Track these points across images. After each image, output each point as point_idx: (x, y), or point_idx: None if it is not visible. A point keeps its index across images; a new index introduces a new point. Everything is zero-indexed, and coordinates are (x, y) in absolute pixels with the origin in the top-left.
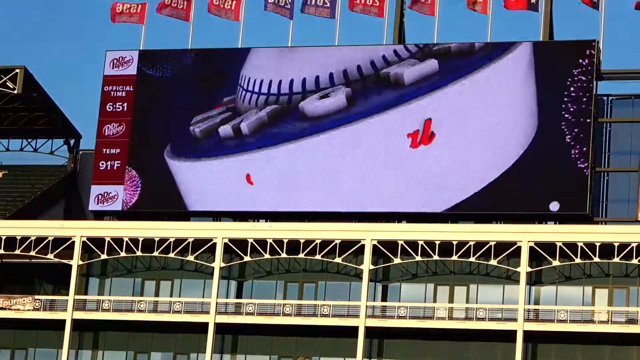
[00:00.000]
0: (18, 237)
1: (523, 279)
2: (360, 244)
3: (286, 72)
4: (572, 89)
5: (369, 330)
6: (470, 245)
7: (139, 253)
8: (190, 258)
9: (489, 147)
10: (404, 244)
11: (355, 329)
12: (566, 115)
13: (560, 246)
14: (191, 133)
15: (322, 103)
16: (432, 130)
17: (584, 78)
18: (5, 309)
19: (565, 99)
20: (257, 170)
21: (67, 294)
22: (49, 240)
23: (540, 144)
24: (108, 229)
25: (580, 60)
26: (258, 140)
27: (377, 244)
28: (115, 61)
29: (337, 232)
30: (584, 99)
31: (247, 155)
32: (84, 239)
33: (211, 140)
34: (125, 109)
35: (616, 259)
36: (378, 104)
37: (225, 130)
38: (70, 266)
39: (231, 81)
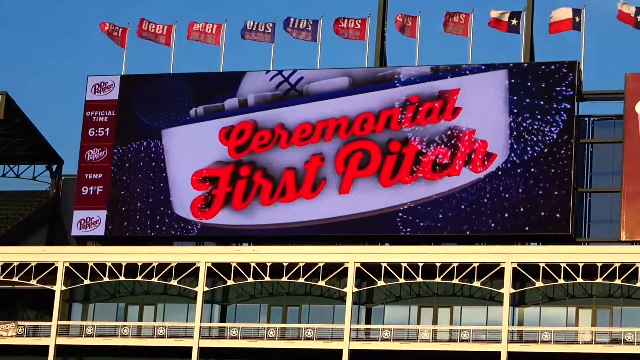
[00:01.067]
0: (0, 263)
1: (507, 300)
2: (343, 267)
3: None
4: (553, 109)
5: (353, 353)
6: (454, 266)
7: (122, 278)
8: (174, 282)
9: (468, 166)
10: (387, 266)
11: (339, 352)
12: (548, 137)
13: (543, 267)
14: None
15: (324, 81)
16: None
17: (565, 99)
18: None
19: (547, 120)
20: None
21: (50, 320)
22: (32, 266)
23: (523, 165)
24: (91, 254)
25: (562, 81)
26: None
27: (360, 267)
28: (96, 86)
29: (320, 255)
30: (566, 120)
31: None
32: (67, 264)
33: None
34: (107, 134)
35: (599, 280)
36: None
37: (232, 102)
38: (53, 292)
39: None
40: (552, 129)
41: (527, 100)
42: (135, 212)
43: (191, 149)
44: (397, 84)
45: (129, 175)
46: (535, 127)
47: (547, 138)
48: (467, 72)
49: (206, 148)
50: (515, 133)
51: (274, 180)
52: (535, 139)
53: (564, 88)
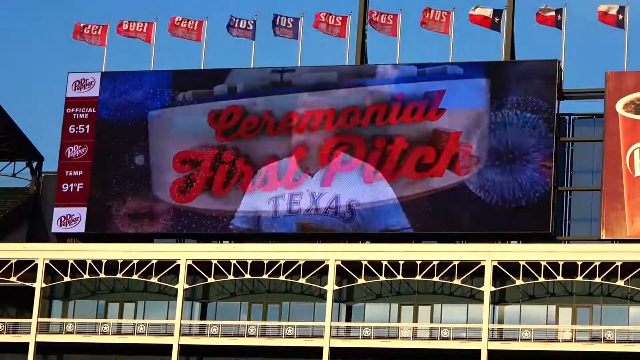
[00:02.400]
0: None
1: (487, 298)
2: (324, 265)
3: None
4: (534, 108)
5: (334, 351)
6: (434, 264)
7: (102, 275)
8: (154, 280)
9: (448, 165)
10: (368, 264)
11: (319, 350)
12: (528, 134)
13: (523, 265)
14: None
15: (313, 74)
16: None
17: (545, 97)
18: None
19: (528, 118)
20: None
21: (31, 317)
22: (12, 263)
23: (503, 162)
24: (71, 252)
25: (542, 80)
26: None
27: (341, 265)
28: (77, 83)
29: (301, 252)
30: (546, 119)
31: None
32: (47, 261)
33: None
34: (87, 131)
35: (579, 278)
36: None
37: (221, 88)
38: (33, 289)
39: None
40: (533, 127)
41: (508, 99)
42: (115, 208)
43: (177, 131)
44: (384, 82)
45: (110, 164)
46: (516, 125)
47: (528, 136)
48: (452, 75)
49: (192, 130)
50: (496, 130)
51: (255, 168)
52: (516, 137)
53: (544, 86)
